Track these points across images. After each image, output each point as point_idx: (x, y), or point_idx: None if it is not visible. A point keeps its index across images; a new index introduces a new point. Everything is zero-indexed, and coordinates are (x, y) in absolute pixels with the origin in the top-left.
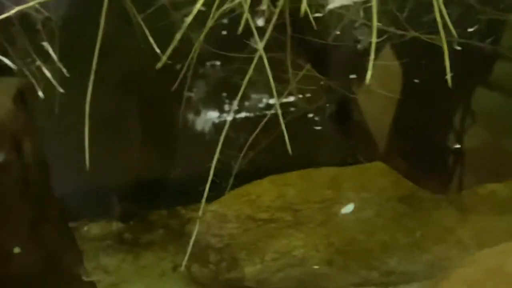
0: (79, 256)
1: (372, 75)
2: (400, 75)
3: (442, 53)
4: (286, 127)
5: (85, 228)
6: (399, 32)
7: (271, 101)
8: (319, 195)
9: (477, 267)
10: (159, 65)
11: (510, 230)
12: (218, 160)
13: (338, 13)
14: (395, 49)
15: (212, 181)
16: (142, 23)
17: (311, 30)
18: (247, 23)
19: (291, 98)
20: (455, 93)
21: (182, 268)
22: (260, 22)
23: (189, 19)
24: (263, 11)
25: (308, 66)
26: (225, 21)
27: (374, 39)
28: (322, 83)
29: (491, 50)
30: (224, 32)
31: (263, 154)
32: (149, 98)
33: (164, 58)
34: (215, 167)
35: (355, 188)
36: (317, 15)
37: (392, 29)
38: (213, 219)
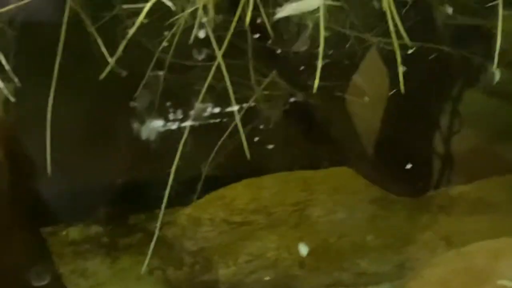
0: (49, 261)
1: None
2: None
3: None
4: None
5: (64, 232)
6: (353, 34)
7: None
8: (292, 198)
9: (445, 267)
10: (102, 75)
11: (478, 231)
12: (196, 165)
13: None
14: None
15: (187, 185)
16: (95, 32)
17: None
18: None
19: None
20: (423, 98)
21: (144, 269)
22: (201, 34)
23: (131, 32)
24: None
25: (273, 73)
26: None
27: (321, 49)
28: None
29: (459, 56)
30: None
31: (232, 159)
32: (118, 104)
33: (107, 68)
34: (193, 171)
35: (328, 191)
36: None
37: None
38: (187, 222)
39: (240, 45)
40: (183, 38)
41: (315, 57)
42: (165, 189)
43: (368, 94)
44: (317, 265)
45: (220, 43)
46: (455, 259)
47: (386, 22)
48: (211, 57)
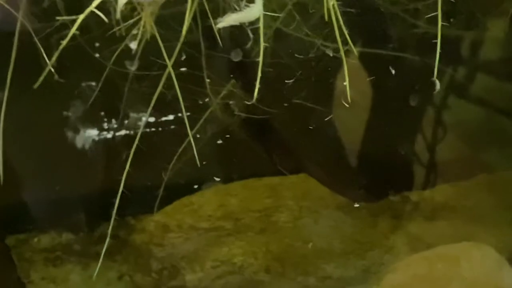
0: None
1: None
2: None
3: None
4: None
5: (35, 240)
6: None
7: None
8: (259, 204)
9: (406, 272)
10: (36, 84)
11: (441, 236)
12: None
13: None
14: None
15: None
16: (38, 42)
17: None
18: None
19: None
20: (383, 103)
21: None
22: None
23: (64, 43)
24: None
25: (231, 82)
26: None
27: (261, 59)
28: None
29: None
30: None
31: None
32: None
33: (41, 78)
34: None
35: (294, 197)
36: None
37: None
38: (155, 229)
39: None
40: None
41: (270, 66)
42: (136, 196)
43: (340, 101)
44: (283, 270)
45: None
46: (416, 264)
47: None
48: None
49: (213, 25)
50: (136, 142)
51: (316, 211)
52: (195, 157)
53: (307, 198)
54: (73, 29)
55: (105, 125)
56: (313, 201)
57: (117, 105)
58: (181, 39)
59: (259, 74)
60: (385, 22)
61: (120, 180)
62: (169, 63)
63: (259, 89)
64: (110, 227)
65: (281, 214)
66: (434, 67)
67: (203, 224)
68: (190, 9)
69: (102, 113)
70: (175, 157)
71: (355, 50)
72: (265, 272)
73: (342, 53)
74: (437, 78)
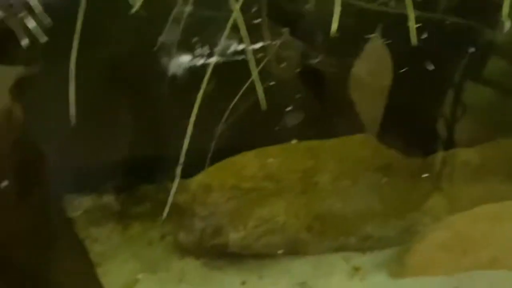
0: (69, 222)
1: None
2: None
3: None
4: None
5: (76, 202)
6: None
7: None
8: (300, 165)
9: (449, 230)
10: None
11: (481, 197)
12: (205, 135)
13: None
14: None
15: (198, 155)
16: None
17: None
18: None
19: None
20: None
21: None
22: None
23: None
24: None
25: (286, 31)
26: None
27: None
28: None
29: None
30: None
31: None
32: (141, 80)
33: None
34: (202, 142)
35: (334, 159)
36: None
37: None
38: (198, 188)
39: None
40: None
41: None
42: (172, 162)
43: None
44: (324, 229)
45: None
46: (458, 222)
47: None
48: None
49: None
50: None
51: (356, 173)
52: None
53: (347, 160)
54: None
55: None
56: (353, 163)
57: None
58: None
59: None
60: None
61: (157, 145)
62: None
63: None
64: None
65: (321, 175)
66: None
67: (245, 184)
68: None
69: None
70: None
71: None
72: (306, 231)
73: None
74: None
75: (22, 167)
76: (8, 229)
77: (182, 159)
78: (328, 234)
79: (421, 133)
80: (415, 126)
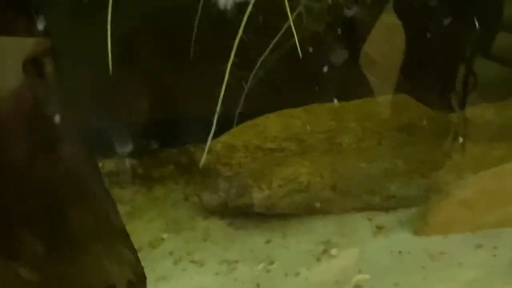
0: (98, 174)
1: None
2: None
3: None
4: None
5: (100, 165)
6: None
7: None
8: (323, 126)
9: (473, 188)
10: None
11: (505, 155)
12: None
13: None
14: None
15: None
16: None
17: None
18: None
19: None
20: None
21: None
22: None
23: None
24: None
25: None
26: None
27: None
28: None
29: None
30: None
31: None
32: (160, 35)
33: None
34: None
35: (357, 119)
36: None
37: None
38: (222, 149)
39: None
40: None
41: None
42: (194, 125)
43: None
44: (348, 189)
45: None
46: (485, 179)
47: None
48: None
49: None
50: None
51: (379, 132)
52: None
53: (370, 120)
54: None
55: None
56: (375, 123)
57: None
58: None
59: None
60: None
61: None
62: None
63: None
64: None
65: (345, 135)
66: None
67: (269, 145)
68: None
69: None
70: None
71: None
72: (331, 190)
73: None
74: None
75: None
76: (39, 177)
77: (215, 120)
78: (351, 193)
79: (444, 88)
80: (438, 80)
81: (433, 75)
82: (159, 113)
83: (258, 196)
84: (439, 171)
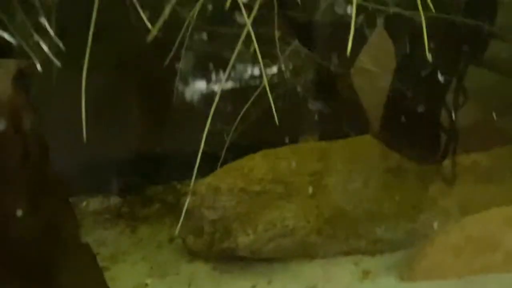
0: (76, 224)
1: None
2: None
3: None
4: (274, 102)
5: (84, 203)
6: (379, 8)
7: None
8: (309, 168)
9: (459, 233)
10: (149, 39)
11: (492, 199)
12: (212, 134)
13: None
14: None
15: (207, 155)
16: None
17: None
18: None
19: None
20: (443, 70)
21: (176, 233)
22: None
23: None
24: None
25: (295, 41)
26: None
27: (354, 15)
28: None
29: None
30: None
31: (254, 127)
32: (142, 74)
33: (154, 31)
34: (210, 141)
35: (343, 161)
36: None
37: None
38: (207, 192)
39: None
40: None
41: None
42: (180, 162)
43: (378, 68)
44: (334, 232)
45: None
46: (469, 225)
47: None
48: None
49: None
50: (215, 103)
51: (365, 174)
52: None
53: (356, 161)
54: None
55: None
56: (361, 165)
57: None
58: None
59: (352, 30)
60: None
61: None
62: (248, 22)
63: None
64: (192, 183)
65: (330, 177)
66: None
67: (254, 187)
68: None
69: None
70: (237, 120)
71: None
72: (316, 235)
73: (422, 17)
74: None
75: (27, 158)
76: (18, 231)
77: (198, 159)
78: (338, 237)
79: (427, 139)
80: (421, 131)
81: (413, 127)
82: (144, 150)
83: (243, 241)
84: (426, 215)
